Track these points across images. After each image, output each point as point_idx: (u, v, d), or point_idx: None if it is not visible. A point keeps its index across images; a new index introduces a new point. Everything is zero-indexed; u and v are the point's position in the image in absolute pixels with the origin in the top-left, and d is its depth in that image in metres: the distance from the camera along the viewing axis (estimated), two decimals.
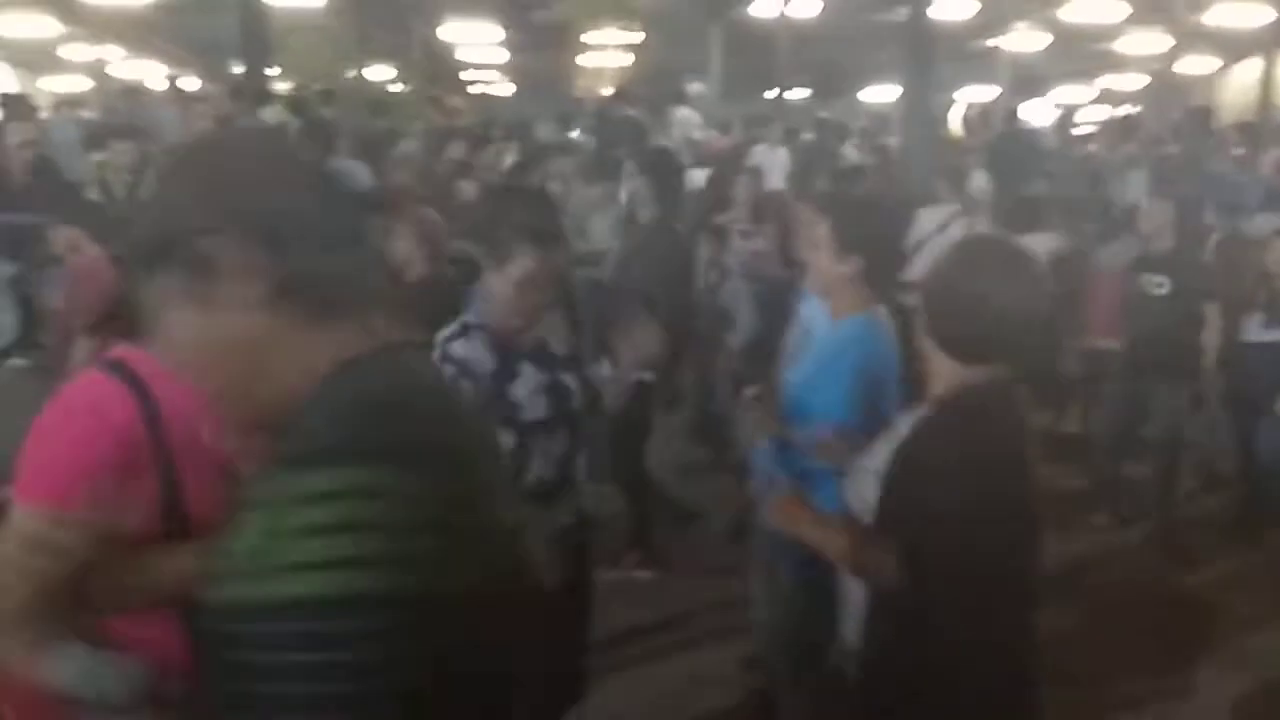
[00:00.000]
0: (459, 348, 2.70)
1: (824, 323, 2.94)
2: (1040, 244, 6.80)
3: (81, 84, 18.26)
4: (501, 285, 2.72)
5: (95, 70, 18.22)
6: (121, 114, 9.95)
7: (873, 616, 1.98)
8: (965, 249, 2.07)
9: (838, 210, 2.82)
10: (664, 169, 7.36)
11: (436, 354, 2.67)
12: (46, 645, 1.60)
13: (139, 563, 1.68)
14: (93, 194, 6.35)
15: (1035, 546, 1.96)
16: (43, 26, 17.56)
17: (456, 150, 8.10)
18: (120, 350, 1.76)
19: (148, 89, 12.34)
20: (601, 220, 7.17)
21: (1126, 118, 11.72)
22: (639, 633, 4.18)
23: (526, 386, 2.74)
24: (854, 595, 2.08)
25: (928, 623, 1.87)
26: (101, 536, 1.63)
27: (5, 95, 9.50)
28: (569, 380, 2.84)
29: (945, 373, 1.96)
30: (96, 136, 7.63)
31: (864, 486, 2.01)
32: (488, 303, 2.78)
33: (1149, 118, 11.89)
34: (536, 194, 3.76)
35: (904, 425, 2.02)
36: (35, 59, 19.43)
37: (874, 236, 2.80)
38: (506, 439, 2.66)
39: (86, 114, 11.06)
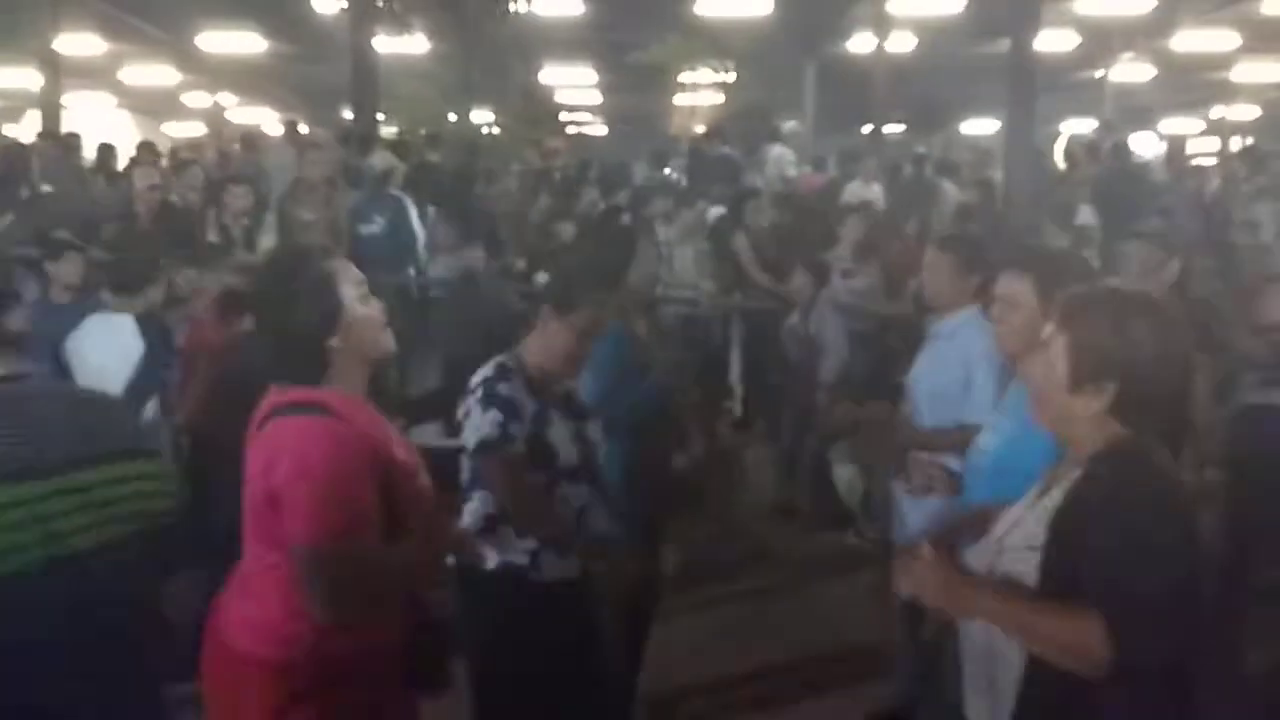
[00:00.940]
0: (504, 389, 2.68)
1: (989, 373, 2.86)
2: (1162, 284, 6.64)
3: (199, 129, 19.15)
4: (564, 332, 2.74)
5: (213, 116, 19.11)
6: (238, 160, 10.39)
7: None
8: (1117, 299, 1.84)
9: (957, 247, 2.73)
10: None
11: (478, 394, 2.68)
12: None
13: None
14: (212, 237, 6.62)
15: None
16: (163, 75, 18.54)
17: (545, 200, 8.24)
18: (301, 394, 2.00)
19: (263, 135, 12.88)
20: (689, 257, 7.21)
21: (1249, 148, 11.32)
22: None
23: (560, 434, 2.75)
24: (977, 668, 1.89)
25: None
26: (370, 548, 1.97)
27: (139, 143, 10.01)
28: (592, 432, 2.84)
29: (1093, 431, 1.77)
30: (216, 182, 7.96)
31: (1018, 565, 1.77)
32: (540, 346, 2.78)
33: (1265, 149, 11.44)
34: (615, 241, 3.79)
35: (1050, 492, 1.80)
36: (157, 106, 20.49)
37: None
38: (535, 479, 2.67)
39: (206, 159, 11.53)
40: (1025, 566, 1.76)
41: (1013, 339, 2.46)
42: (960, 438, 2.69)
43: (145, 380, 4.05)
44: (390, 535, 2.00)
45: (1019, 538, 1.80)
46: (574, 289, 2.80)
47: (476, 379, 2.72)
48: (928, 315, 3.66)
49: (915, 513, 3.05)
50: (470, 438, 2.66)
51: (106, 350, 3.94)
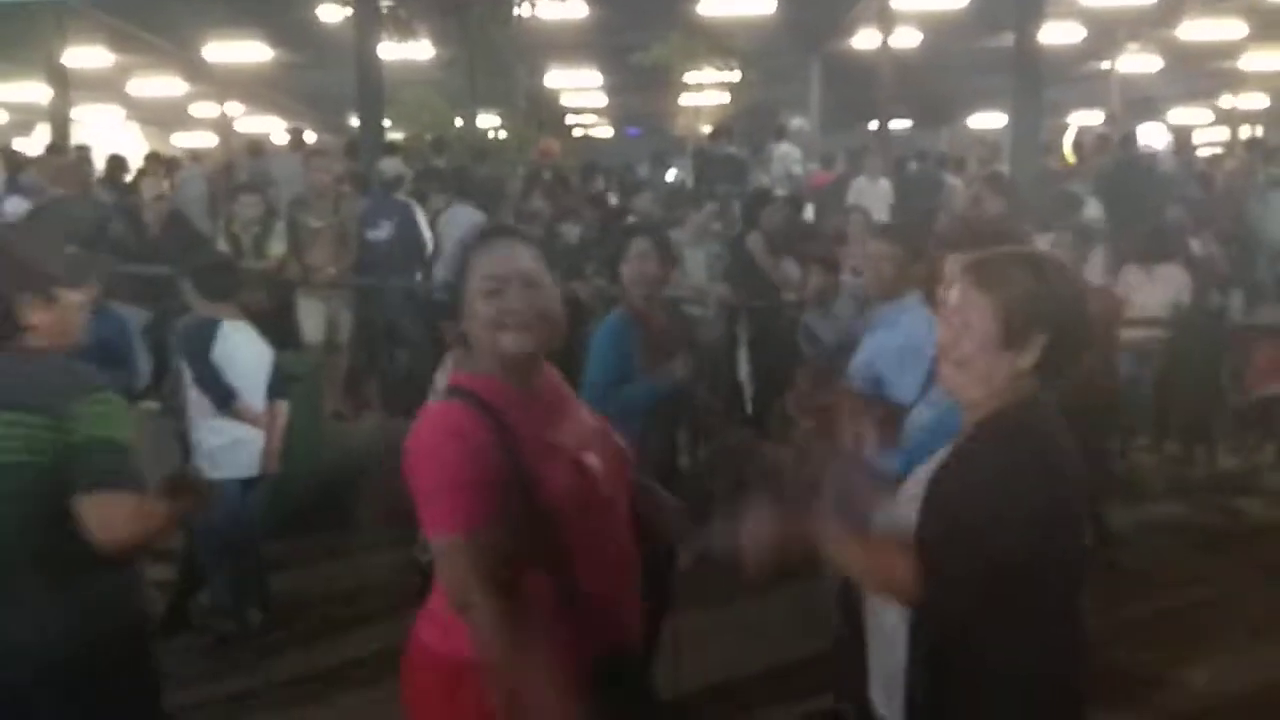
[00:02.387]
0: None
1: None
2: (1171, 276, 6.63)
3: (208, 139, 19.26)
4: None
5: (221, 125, 19.21)
6: (246, 169, 10.45)
7: (915, 659, 1.85)
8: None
9: (900, 236, 2.74)
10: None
11: None
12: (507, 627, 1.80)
13: None
14: (221, 245, 6.66)
15: (1079, 563, 1.84)
16: (171, 86, 18.65)
17: (537, 200, 8.25)
18: (464, 377, 1.97)
19: (269, 143, 12.94)
20: (700, 259, 7.22)
21: (1258, 139, 11.27)
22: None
23: None
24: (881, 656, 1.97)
25: (969, 648, 1.78)
26: (500, 534, 1.85)
27: (147, 154, 10.07)
28: None
29: (1004, 391, 1.83)
30: (223, 191, 8.01)
31: (906, 513, 1.88)
32: None
33: (1274, 138, 11.39)
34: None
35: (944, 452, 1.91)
36: (165, 116, 20.61)
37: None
38: None
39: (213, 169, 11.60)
40: (911, 515, 1.85)
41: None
42: (894, 409, 2.80)
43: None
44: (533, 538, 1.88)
45: (910, 488, 1.91)
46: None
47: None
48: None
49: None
50: None
51: (249, 354, 4.36)
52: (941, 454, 1.89)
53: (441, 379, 2.78)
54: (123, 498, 2.18)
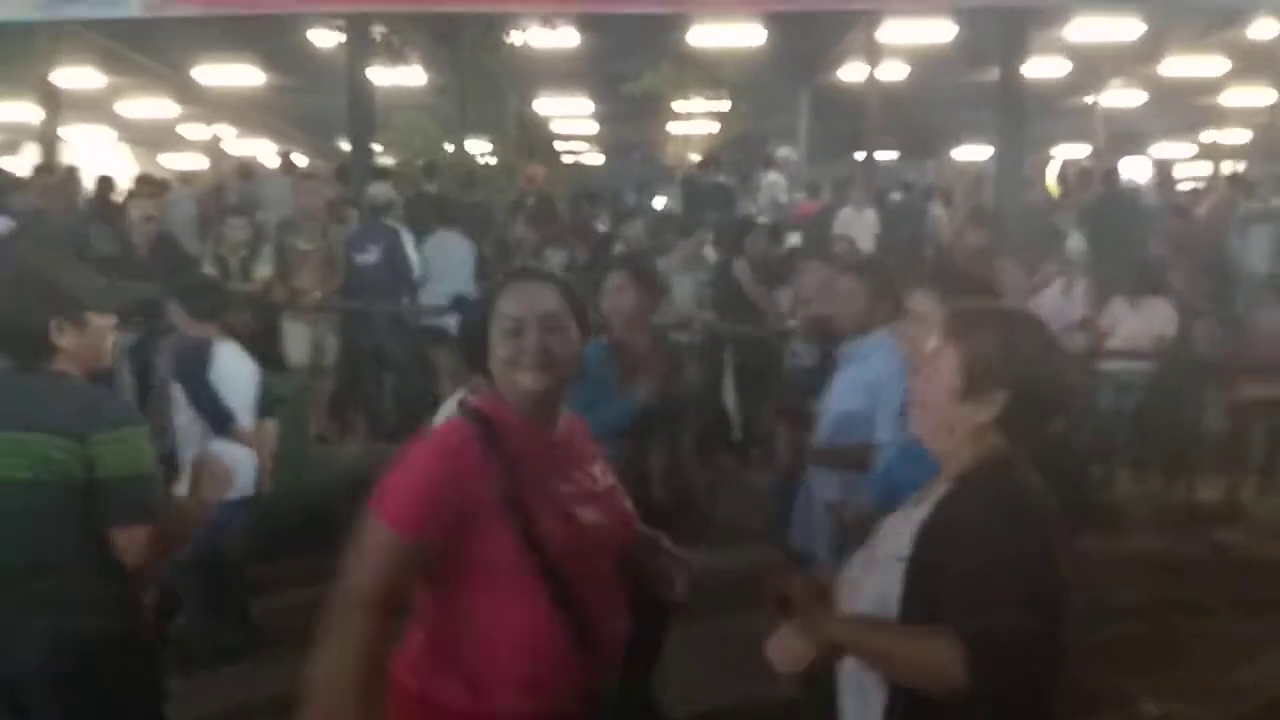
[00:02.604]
0: None
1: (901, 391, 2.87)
2: (1157, 310, 6.70)
3: (198, 162, 19.25)
4: None
5: (211, 148, 19.22)
6: (235, 191, 10.46)
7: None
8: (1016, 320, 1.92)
9: (948, 284, 2.71)
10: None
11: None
12: (359, 633, 1.85)
13: None
14: (209, 268, 6.67)
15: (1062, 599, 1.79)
16: (161, 108, 18.66)
17: (519, 227, 8.28)
18: (481, 400, 2.03)
19: (259, 166, 12.96)
20: (688, 287, 7.27)
21: (1239, 175, 11.41)
22: None
23: None
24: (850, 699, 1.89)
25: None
26: (435, 557, 1.91)
27: (137, 176, 10.07)
28: None
29: (971, 444, 1.81)
30: (213, 213, 8.02)
31: (887, 579, 1.79)
32: None
33: (1256, 174, 11.55)
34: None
35: (920, 509, 1.82)
36: (155, 138, 20.61)
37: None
38: None
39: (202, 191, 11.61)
40: (892, 578, 1.78)
41: (919, 354, 2.54)
42: (860, 453, 2.81)
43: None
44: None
45: (888, 548, 1.83)
46: None
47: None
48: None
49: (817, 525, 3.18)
50: None
51: (241, 374, 4.43)
52: (917, 512, 1.82)
53: (449, 407, 2.82)
54: (148, 529, 2.36)
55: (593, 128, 21.69)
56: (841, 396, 3.28)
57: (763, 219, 9.42)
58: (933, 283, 2.68)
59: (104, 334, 2.52)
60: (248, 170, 11.48)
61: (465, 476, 1.90)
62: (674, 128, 18.02)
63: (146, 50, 15.11)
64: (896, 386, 2.86)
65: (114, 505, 2.34)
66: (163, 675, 2.61)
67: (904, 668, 1.71)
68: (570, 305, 2.04)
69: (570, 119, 20.62)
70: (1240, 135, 17.98)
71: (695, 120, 17.51)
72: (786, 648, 1.82)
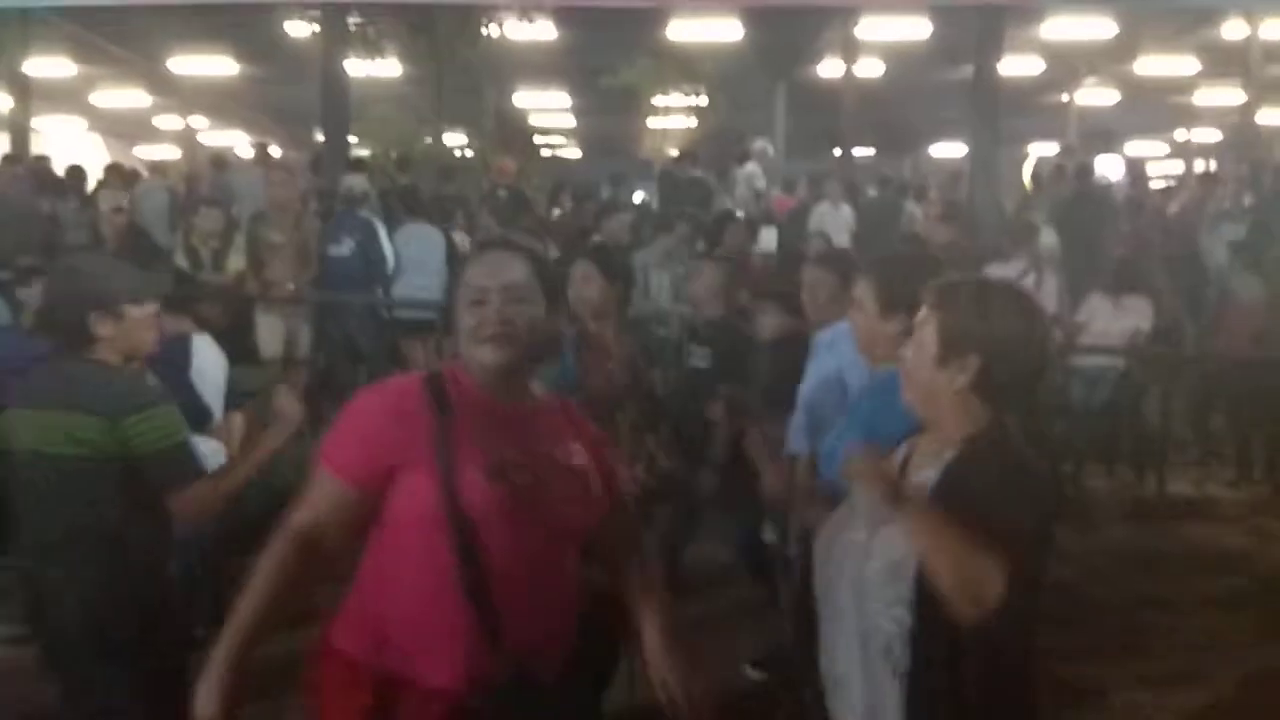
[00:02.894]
0: None
1: (861, 376, 2.88)
2: (1136, 307, 6.76)
3: (172, 152, 19.08)
4: None
5: (185, 139, 19.05)
6: (208, 182, 10.37)
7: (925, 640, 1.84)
8: (1006, 294, 2.01)
9: (882, 268, 2.79)
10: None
11: None
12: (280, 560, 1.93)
13: None
14: (180, 260, 6.61)
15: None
16: (135, 98, 18.48)
17: (484, 219, 8.26)
18: (447, 364, 2.06)
19: (233, 157, 12.85)
20: (665, 282, 7.26)
21: (1207, 174, 11.54)
22: None
23: None
24: (854, 670, 1.94)
25: (981, 651, 1.79)
26: (361, 503, 1.94)
27: (107, 165, 9.96)
28: None
29: (956, 410, 1.90)
30: (185, 204, 7.95)
31: (891, 537, 1.85)
32: None
33: (1226, 172, 11.68)
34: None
35: (922, 473, 1.91)
36: (129, 129, 20.41)
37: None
38: None
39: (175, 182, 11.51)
40: (901, 540, 1.82)
41: (860, 336, 2.71)
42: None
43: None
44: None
45: (889, 513, 1.87)
46: None
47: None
48: None
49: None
50: None
51: (216, 368, 4.46)
52: (921, 476, 1.91)
53: None
54: (196, 486, 2.65)
55: (570, 121, 21.66)
56: (813, 384, 3.30)
57: (741, 214, 9.44)
58: (869, 269, 2.77)
59: (141, 324, 2.73)
60: (221, 161, 11.38)
61: (401, 422, 1.92)
62: (652, 122, 18.02)
63: (120, 40, 14.95)
64: (860, 371, 2.91)
65: (158, 476, 2.60)
66: (190, 639, 2.78)
67: (955, 564, 1.71)
68: (540, 278, 2.00)
69: (548, 112, 20.58)
70: (1212, 134, 18.18)
71: (673, 115, 17.52)
72: (870, 480, 1.88)
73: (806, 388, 3.35)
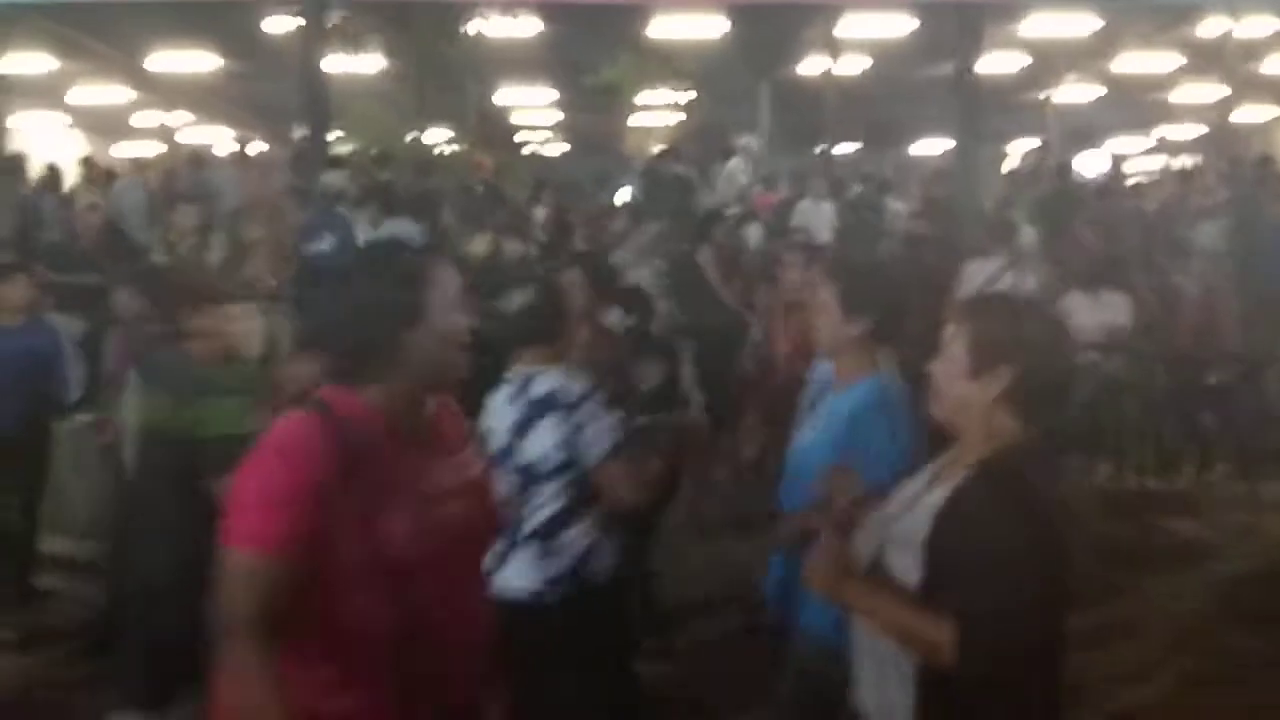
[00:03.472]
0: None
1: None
2: (1114, 303, 6.80)
3: (152, 149, 18.92)
4: None
5: (165, 135, 18.90)
6: (186, 179, 10.31)
7: (926, 694, 1.85)
8: (1036, 310, 2.05)
9: (844, 272, 2.82)
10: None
11: (597, 397, 3.07)
12: (264, 665, 1.72)
13: None
14: (158, 256, 6.57)
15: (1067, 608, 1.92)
16: (115, 94, 18.31)
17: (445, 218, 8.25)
18: (327, 390, 1.84)
19: (212, 154, 12.77)
20: (644, 277, 7.25)
21: (1186, 170, 11.60)
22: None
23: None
24: (866, 662, 1.99)
25: (987, 703, 1.78)
26: (305, 566, 1.72)
27: (81, 159, 9.88)
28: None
29: (985, 423, 1.90)
30: (163, 200, 7.90)
31: (904, 558, 1.87)
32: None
33: (1208, 168, 11.75)
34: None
35: (936, 491, 1.92)
36: (108, 125, 20.23)
37: (882, 297, 2.74)
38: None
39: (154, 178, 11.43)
40: (907, 561, 1.85)
41: (824, 339, 2.78)
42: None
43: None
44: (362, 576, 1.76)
45: (903, 530, 1.90)
46: None
47: (578, 390, 3.01)
48: None
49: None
50: (600, 444, 2.97)
51: None
52: (933, 496, 1.90)
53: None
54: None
55: (553, 118, 21.59)
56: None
57: (730, 210, 9.48)
58: (832, 273, 2.85)
59: (231, 319, 3.15)
60: (199, 158, 11.32)
61: (316, 475, 1.73)
62: (635, 119, 17.99)
63: (99, 35, 14.83)
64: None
65: (212, 460, 2.82)
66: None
67: (903, 640, 1.84)
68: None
69: (530, 109, 20.50)
70: (1192, 130, 18.28)
71: (657, 111, 17.49)
72: (814, 566, 1.94)
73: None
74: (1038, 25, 13.21)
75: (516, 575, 2.96)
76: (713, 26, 13.73)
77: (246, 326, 3.10)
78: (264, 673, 1.70)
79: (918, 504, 1.93)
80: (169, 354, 3.14)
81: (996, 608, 1.73)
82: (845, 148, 15.78)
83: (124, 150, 18.57)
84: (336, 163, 9.55)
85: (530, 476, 3.00)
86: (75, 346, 5.76)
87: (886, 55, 14.55)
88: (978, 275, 7.04)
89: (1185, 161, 13.91)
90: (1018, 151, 14.54)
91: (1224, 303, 7.48)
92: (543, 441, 2.98)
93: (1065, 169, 9.66)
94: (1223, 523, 6.23)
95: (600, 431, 3.00)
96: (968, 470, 1.88)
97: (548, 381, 3.04)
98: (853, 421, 2.61)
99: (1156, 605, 4.95)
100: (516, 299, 3.10)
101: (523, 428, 3.00)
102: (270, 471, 1.75)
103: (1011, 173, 11.71)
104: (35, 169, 9.68)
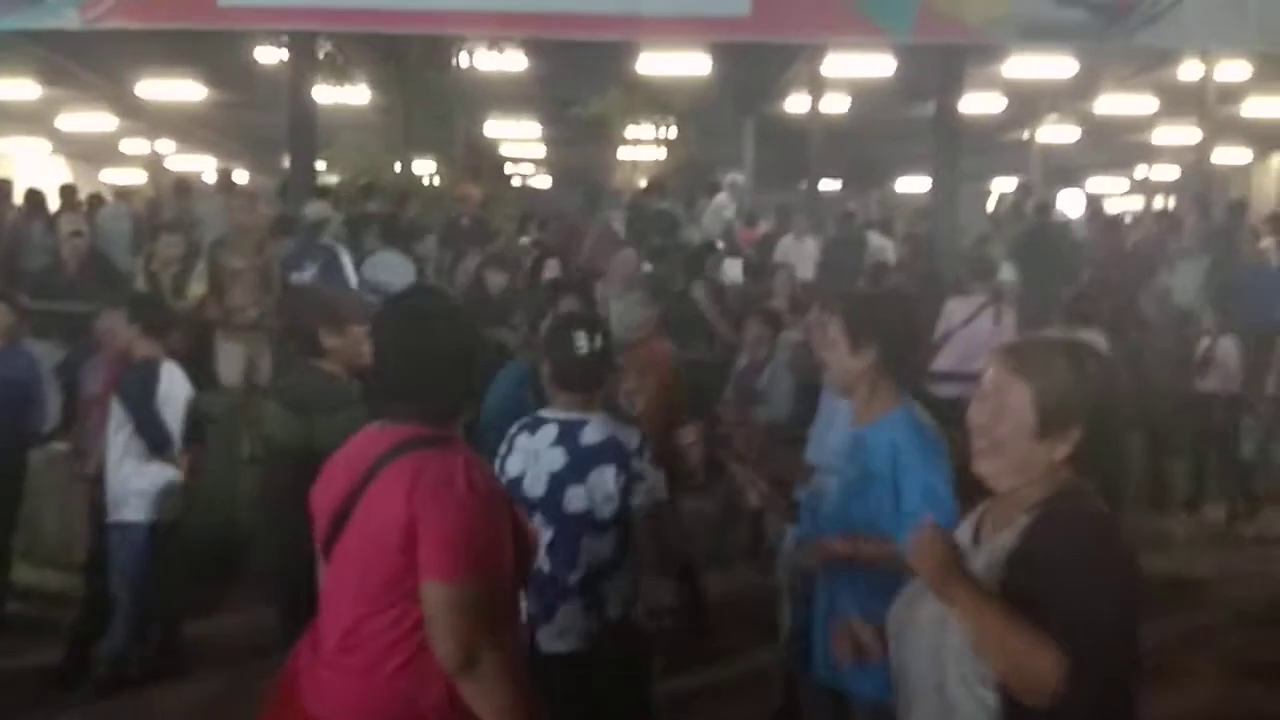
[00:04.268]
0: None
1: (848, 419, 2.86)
2: (1091, 341, 6.86)
3: (139, 177, 18.91)
4: None
5: (152, 163, 18.90)
6: (171, 207, 10.32)
7: None
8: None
9: (847, 305, 2.83)
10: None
11: (646, 453, 2.96)
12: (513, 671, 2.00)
13: None
14: (140, 284, 6.56)
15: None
16: (102, 122, 18.33)
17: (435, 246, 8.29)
18: (424, 430, 2.08)
19: (197, 182, 12.78)
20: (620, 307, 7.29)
21: (1165, 212, 11.75)
22: None
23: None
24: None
25: None
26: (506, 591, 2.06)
27: (61, 186, 9.87)
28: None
29: (1045, 478, 1.80)
30: (148, 229, 7.90)
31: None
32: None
33: (1186, 210, 11.91)
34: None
35: (998, 536, 1.82)
36: (96, 152, 20.24)
37: (887, 327, 2.75)
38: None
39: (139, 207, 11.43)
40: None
41: (833, 374, 2.81)
42: (884, 550, 2.51)
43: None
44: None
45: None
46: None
47: (637, 439, 2.93)
48: None
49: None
50: (646, 496, 2.90)
51: (182, 395, 4.58)
52: (992, 545, 1.82)
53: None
54: None
55: (540, 151, 21.73)
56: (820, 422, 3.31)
57: (720, 244, 9.56)
58: (837, 307, 2.87)
59: (361, 339, 3.20)
60: (185, 187, 11.33)
61: (497, 504, 2.08)
62: (622, 153, 18.12)
63: (87, 63, 14.86)
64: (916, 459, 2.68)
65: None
66: None
67: (1008, 655, 1.66)
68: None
69: (518, 142, 20.64)
70: (1169, 171, 18.54)
71: (643, 146, 17.63)
72: (924, 553, 1.76)
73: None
74: (1019, 67, 13.41)
75: (567, 628, 2.87)
76: (698, 64, 13.88)
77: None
78: (518, 676, 1.98)
79: (976, 556, 1.82)
80: (310, 372, 3.34)
81: (1104, 639, 1.64)
82: (829, 184, 15.93)
83: (111, 177, 18.57)
84: (323, 193, 9.57)
85: (580, 525, 2.87)
86: (51, 374, 5.75)
87: (870, 94, 14.73)
88: (957, 312, 7.11)
89: (1164, 202, 14.09)
90: (999, 190, 14.71)
91: (1202, 342, 7.55)
92: (598, 491, 2.86)
93: (1045, 207, 9.77)
94: (1205, 562, 6.28)
95: (659, 481, 2.93)
96: (1033, 512, 1.78)
97: (600, 429, 2.92)
98: (894, 450, 2.63)
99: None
100: (581, 342, 2.96)
101: (572, 475, 2.89)
102: (470, 504, 1.98)
103: (993, 211, 11.84)
104: (21, 195, 9.68)
